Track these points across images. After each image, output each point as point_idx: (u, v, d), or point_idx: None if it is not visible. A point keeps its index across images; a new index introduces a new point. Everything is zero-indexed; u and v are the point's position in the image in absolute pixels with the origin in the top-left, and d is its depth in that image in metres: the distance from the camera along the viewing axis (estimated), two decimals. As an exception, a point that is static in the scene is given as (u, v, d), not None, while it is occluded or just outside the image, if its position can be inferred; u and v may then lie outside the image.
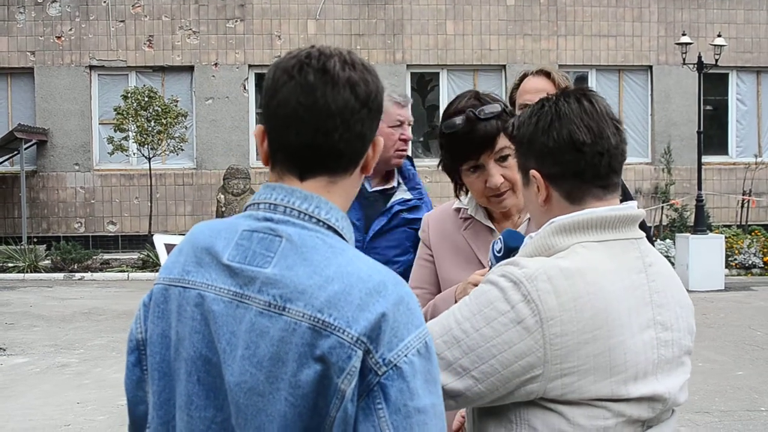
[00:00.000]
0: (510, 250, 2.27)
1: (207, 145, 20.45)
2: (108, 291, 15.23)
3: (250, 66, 20.58)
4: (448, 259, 2.85)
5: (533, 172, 2.06)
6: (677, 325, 2.06)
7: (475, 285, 2.36)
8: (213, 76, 20.52)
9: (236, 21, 20.50)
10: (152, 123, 18.21)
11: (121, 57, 20.40)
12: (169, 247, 3.09)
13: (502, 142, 2.66)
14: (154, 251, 17.24)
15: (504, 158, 2.69)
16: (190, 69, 20.57)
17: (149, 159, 18.44)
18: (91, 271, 17.27)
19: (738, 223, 20.46)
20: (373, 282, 1.61)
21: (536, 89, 3.56)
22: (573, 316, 1.89)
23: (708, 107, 21.14)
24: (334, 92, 1.67)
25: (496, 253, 2.33)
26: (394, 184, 3.90)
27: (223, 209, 17.69)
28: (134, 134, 18.33)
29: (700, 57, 17.60)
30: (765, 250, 17.82)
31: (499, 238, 2.34)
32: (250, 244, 1.67)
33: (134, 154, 19.12)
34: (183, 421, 1.70)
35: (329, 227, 1.70)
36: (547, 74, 3.70)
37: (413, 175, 3.96)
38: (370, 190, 3.85)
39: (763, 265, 17.71)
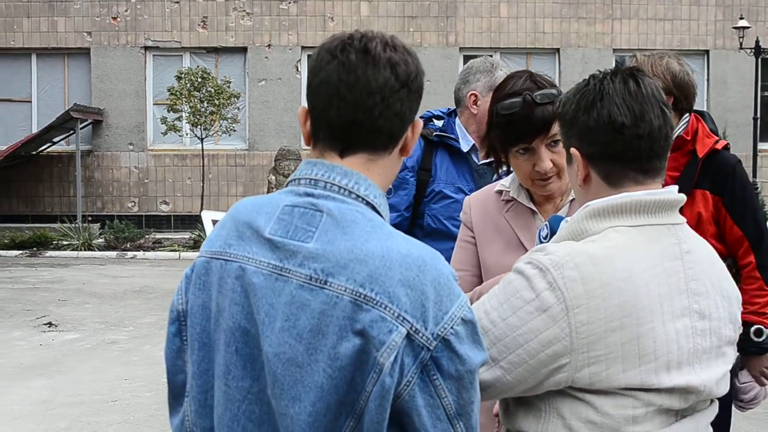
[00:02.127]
0: None
1: (259, 127, 20.56)
2: (159, 270, 15.41)
3: (303, 48, 20.62)
4: (490, 241, 2.84)
5: (573, 150, 2.04)
6: (717, 314, 2.01)
7: None
8: (266, 57, 20.60)
9: (290, 2, 20.54)
10: (205, 104, 18.33)
11: (176, 38, 20.56)
12: (216, 223, 3.15)
13: (556, 127, 2.62)
14: (206, 231, 17.39)
15: (555, 143, 2.66)
16: (243, 50, 20.67)
17: (202, 140, 18.57)
18: (143, 250, 17.48)
19: (794, 212, 20.10)
20: (413, 257, 1.66)
21: None
22: (600, 304, 1.86)
23: (766, 93, 20.75)
24: (374, 71, 1.72)
25: (542, 239, 2.31)
26: None
27: (274, 190, 17.76)
28: (187, 115, 18.47)
29: (757, 41, 17.31)
30: (821, 239, 17.48)
31: (546, 225, 2.32)
32: (292, 218, 1.72)
33: (187, 134, 19.29)
34: (221, 391, 1.74)
35: (368, 203, 1.74)
36: None
37: None
38: (478, 163, 3.89)
39: (818, 255, 17.35)
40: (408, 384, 1.62)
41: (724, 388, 2.05)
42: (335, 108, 1.73)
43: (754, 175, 17.28)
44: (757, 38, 17.54)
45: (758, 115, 17.54)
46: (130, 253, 17.23)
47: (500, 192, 2.89)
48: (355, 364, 1.61)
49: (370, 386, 1.60)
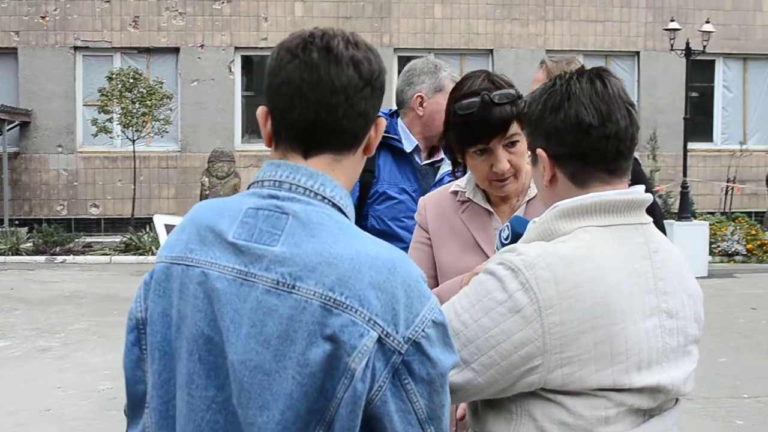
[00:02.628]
0: (518, 236, 2.22)
1: (192, 128, 20.33)
2: (90, 274, 15.15)
3: (236, 48, 20.45)
4: (446, 243, 2.81)
5: (539, 151, 2.02)
6: (683, 313, 2.02)
7: None
8: (199, 57, 20.38)
9: (223, 2, 20.35)
10: (137, 105, 18.05)
11: (106, 38, 20.23)
12: (168, 228, 3.06)
13: (514, 127, 2.62)
14: (137, 234, 17.14)
15: (513, 144, 2.65)
16: (175, 50, 20.42)
17: (134, 141, 18.28)
18: (73, 254, 17.17)
19: (722, 210, 20.51)
20: (382, 260, 1.63)
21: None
22: (572, 305, 1.85)
23: (694, 94, 21.12)
24: (337, 69, 1.69)
25: (503, 240, 2.29)
26: (441, 156, 3.95)
27: (207, 192, 17.62)
28: (119, 116, 18.16)
29: (687, 43, 17.61)
30: (748, 237, 17.89)
31: (507, 225, 2.30)
32: (256, 221, 1.67)
33: (118, 136, 18.98)
34: (183, 401, 1.68)
35: (334, 205, 1.70)
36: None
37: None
38: (421, 163, 3.89)
39: (746, 253, 17.78)
40: (380, 389, 1.59)
41: (690, 387, 2.06)
42: (298, 108, 1.69)
43: (685, 174, 17.55)
44: (688, 40, 17.84)
45: (688, 116, 17.84)
46: (59, 258, 16.92)
47: (456, 193, 2.86)
48: (324, 370, 1.56)
49: (341, 393, 1.56)
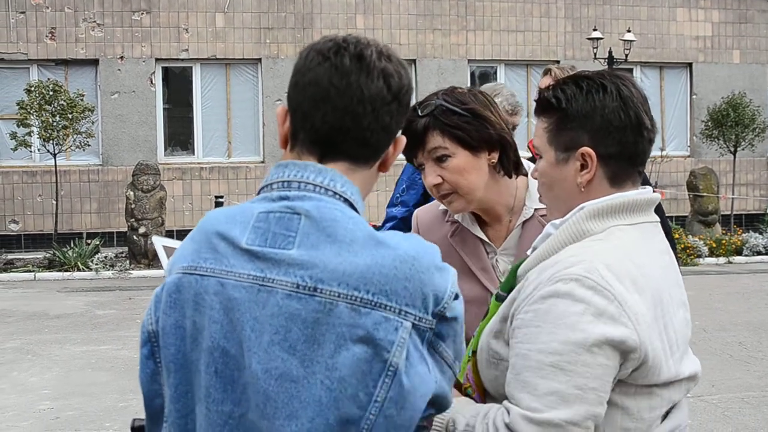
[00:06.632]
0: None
1: (113, 141, 19.97)
2: (15, 292, 14.71)
3: (156, 59, 20.16)
4: None
5: (587, 150, 2.00)
6: (688, 306, 2.10)
7: None
8: (119, 69, 20.04)
9: (142, 13, 20.06)
10: (57, 118, 17.64)
11: (22, 50, 19.75)
12: (168, 250, 2.98)
13: (435, 141, 2.50)
14: (61, 250, 16.73)
15: (441, 159, 2.51)
16: (94, 62, 20.04)
17: (54, 155, 17.84)
18: (-5, 271, 16.69)
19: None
20: (402, 249, 1.62)
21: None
22: (638, 298, 1.88)
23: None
24: (368, 79, 1.67)
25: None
26: None
27: (133, 206, 17.32)
28: (38, 129, 17.71)
29: (610, 52, 17.95)
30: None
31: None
32: (268, 225, 1.64)
33: (38, 150, 18.52)
34: (202, 414, 1.65)
35: (345, 200, 1.68)
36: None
37: None
38: None
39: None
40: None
41: None
42: (322, 111, 1.66)
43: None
44: (610, 49, 18.19)
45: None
46: (-20, 276, 16.42)
47: (446, 212, 2.71)
48: (356, 375, 1.55)
49: (382, 394, 1.55)
